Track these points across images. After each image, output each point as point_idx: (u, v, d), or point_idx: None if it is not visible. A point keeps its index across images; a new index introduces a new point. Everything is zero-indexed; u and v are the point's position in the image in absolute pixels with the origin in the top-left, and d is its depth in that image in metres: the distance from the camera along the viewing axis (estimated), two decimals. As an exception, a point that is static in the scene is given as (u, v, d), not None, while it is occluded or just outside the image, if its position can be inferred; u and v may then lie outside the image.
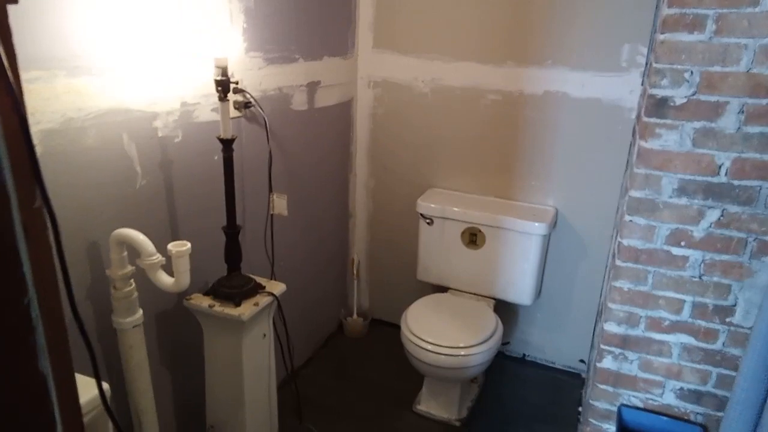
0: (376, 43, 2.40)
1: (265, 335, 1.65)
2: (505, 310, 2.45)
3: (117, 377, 1.46)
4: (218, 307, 1.52)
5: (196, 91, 1.56)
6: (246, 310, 1.51)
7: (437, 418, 2.21)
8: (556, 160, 2.25)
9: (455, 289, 2.42)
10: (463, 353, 1.97)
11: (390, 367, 2.49)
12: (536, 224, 2.17)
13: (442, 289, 2.46)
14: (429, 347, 1.97)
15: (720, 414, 1.72)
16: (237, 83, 1.64)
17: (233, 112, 1.68)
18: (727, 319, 1.64)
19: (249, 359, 1.59)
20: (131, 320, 1.38)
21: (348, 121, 2.51)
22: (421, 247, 2.43)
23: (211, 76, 1.44)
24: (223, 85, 1.42)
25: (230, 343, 1.56)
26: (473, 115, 2.32)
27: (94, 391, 0.90)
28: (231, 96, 1.53)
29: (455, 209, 2.29)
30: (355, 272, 2.77)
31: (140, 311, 1.41)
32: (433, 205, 2.33)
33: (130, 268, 1.36)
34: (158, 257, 1.32)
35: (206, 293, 1.58)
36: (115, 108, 1.32)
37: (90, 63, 1.24)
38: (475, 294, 2.39)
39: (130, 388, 1.46)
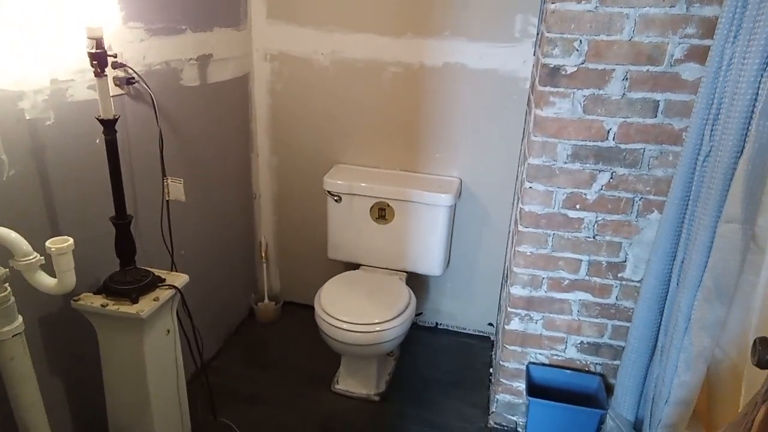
0: (271, 13, 2.28)
1: (169, 331, 1.54)
2: (416, 282, 2.49)
3: (-1, 393, 1.30)
4: (112, 306, 1.39)
5: (68, 66, 1.38)
6: (145, 306, 1.40)
7: (356, 395, 2.21)
8: (458, 131, 2.29)
9: (367, 266, 2.42)
10: (378, 329, 1.97)
11: (305, 349, 2.45)
12: (442, 195, 2.20)
13: (354, 266, 2.44)
14: (344, 326, 1.95)
15: (616, 363, 1.87)
16: (116, 56, 1.48)
17: (114, 90, 1.52)
18: (619, 275, 1.77)
19: (153, 358, 1.48)
20: (9, 329, 1.22)
21: (246, 97, 2.38)
22: (330, 225, 2.39)
23: (85, 49, 1.28)
24: (99, 59, 1.26)
25: (130, 343, 1.44)
26: (376, 88, 2.29)
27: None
28: (110, 71, 1.38)
29: (363, 185, 2.27)
30: (263, 255, 2.68)
31: (20, 318, 1.25)
32: (340, 182, 2.29)
33: (2, 271, 1.19)
34: (35, 256, 1.17)
35: (97, 291, 1.44)
36: (-33, 87, 1.14)
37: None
38: (387, 269, 2.39)
39: (15, 403, 1.30)
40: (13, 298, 1.23)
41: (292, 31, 2.29)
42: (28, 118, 1.30)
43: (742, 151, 1.22)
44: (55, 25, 1.33)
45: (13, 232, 1.15)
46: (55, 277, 1.22)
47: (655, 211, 1.67)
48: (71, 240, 1.20)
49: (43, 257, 1.19)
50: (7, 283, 1.21)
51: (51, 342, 1.48)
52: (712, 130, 1.32)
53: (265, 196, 2.64)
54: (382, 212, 2.29)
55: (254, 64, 2.38)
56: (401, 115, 2.32)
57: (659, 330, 1.59)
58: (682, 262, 1.45)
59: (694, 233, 1.37)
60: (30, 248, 1.16)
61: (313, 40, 2.28)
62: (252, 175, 2.55)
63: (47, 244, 1.18)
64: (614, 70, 1.55)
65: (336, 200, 2.31)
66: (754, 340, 0.91)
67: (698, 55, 1.48)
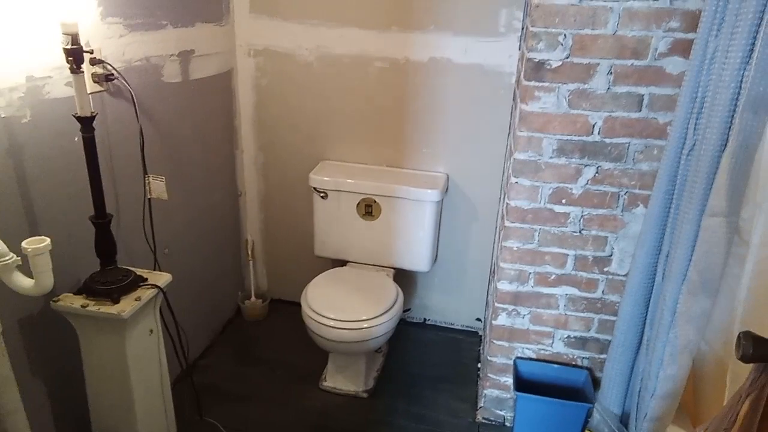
0: (254, 7, 2.25)
1: (152, 331, 1.52)
2: (404, 278, 2.48)
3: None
4: (93, 306, 1.36)
5: (45, 63, 1.35)
6: (126, 306, 1.37)
7: (345, 392, 2.20)
8: (445, 126, 2.28)
9: (354, 262, 2.40)
10: (366, 326, 1.96)
11: (293, 346, 2.44)
12: (429, 191, 2.19)
13: (341, 263, 2.43)
14: (331, 323, 1.94)
15: (603, 356, 1.87)
16: (92, 52, 1.44)
17: (92, 86, 1.48)
18: (605, 269, 1.78)
19: (135, 359, 1.45)
20: (-14, 332, 1.20)
21: (229, 93, 2.35)
22: (316, 222, 2.37)
23: (61, 45, 1.25)
24: (75, 55, 1.23)
25: (112, 344, 1.42)
26: (361, 83, 2.27)
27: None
28: (87, 67, 1.35)
29: (349, 181, 2.25)
30: (249, 253, 2.65)
31: (-3, 320, 1.22)
32: (326, 178, 2.27)
33: (-22, 272, 1.17)
34: (12, 257, 1.14)
35: (78, 292, 1.41)
36: (-63, 85, 1.11)
37: None
38: (374, 265, 2.38)
39: (-6, 408, 1.28)
40: (-11, 301, 1.20)
41: (275, 26, 2.26)
42: (3, 116, 1.27)
43: (725, 145, 1.22)
44: (30, 21, 1.30)
45: (-13, 232, 1.12)
46: (33, 278, 1.19)
47: (641, 205, 1.67)
48: (48, 240, 1.18)
49: (19, 258, 1.16)
50: (-17, 285, 1.19)
51: (31, 344, 1.45)
52: (696, 124, 1.32)
53: (250, 193, 2.61)
54: (368, 208, 2.28)
55: (238, 60, 2.35)
56: (387, 110, 2.30)
57: (645, 323, 1.60)
58: (668, 255, 1.45)
59: (679, 227, 1.37)
60: (5, 248, 1.13)
61: (297, 34, 2.25)
62: (237, 173, 2.52)
63: (23, 244, 1.15)
64: (599, 64, 1.55)
65: (322, 197, 2.29)
66: (738, 335, 0.91)
67: (682, 48, 1.48)
